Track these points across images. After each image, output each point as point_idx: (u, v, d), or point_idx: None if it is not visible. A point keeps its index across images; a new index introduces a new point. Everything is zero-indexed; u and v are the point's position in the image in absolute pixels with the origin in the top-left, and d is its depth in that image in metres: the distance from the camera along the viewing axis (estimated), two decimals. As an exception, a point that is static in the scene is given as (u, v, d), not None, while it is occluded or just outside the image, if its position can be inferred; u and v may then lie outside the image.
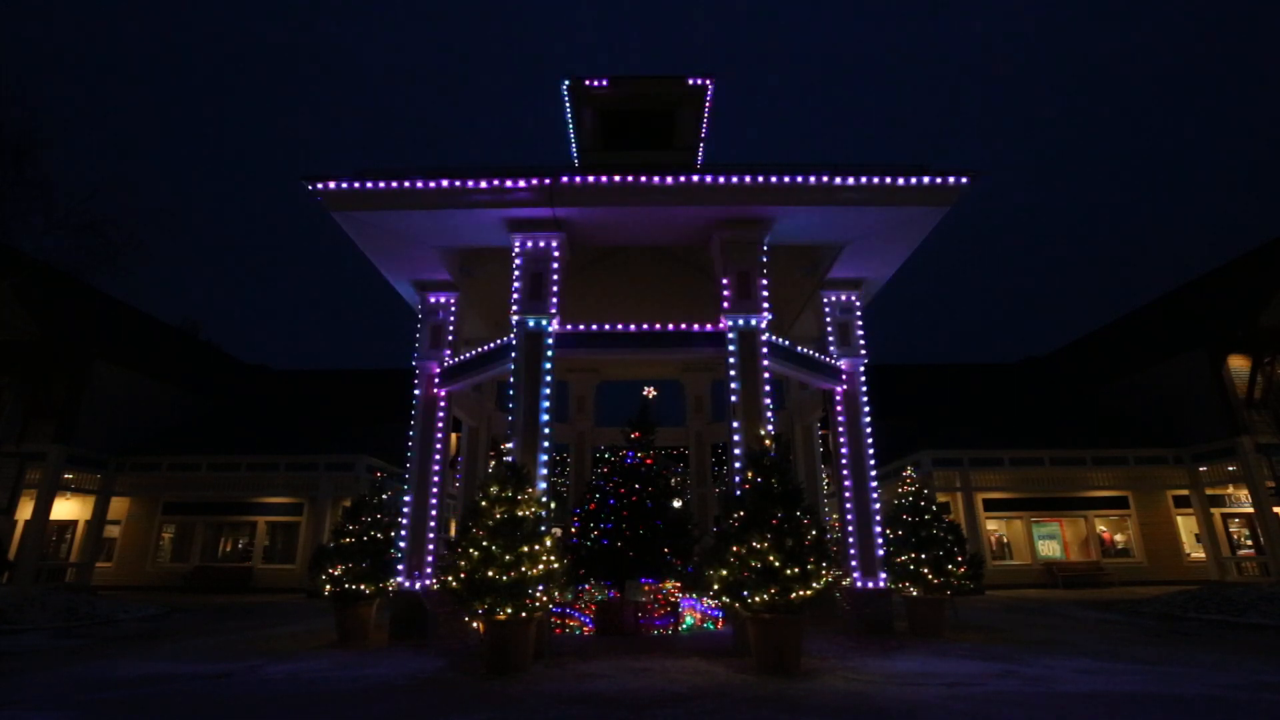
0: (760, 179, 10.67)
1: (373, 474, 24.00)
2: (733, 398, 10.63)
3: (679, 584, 11.67)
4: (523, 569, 7.94)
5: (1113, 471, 23.00)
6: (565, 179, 10.66)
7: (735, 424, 10.48)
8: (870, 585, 11.15)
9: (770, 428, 10.12)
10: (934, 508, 11.34)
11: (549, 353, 10.79)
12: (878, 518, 11.61)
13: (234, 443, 24.99)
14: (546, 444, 10.30)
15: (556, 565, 8.43)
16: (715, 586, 8.27)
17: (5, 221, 15.72)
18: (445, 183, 10.68)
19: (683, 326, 11.31)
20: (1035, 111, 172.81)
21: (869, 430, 12.16)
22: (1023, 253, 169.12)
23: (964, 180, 10.68)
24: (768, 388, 10.69)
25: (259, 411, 29.30)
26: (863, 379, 12.39)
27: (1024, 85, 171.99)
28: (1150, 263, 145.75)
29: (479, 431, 15.18)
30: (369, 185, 10.72)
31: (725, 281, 11.13)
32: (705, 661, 8.44)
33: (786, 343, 11.87)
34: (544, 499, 9.42)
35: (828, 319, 12.82)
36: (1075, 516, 23.29)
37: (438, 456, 12.13)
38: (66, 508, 22.85)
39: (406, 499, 11.92)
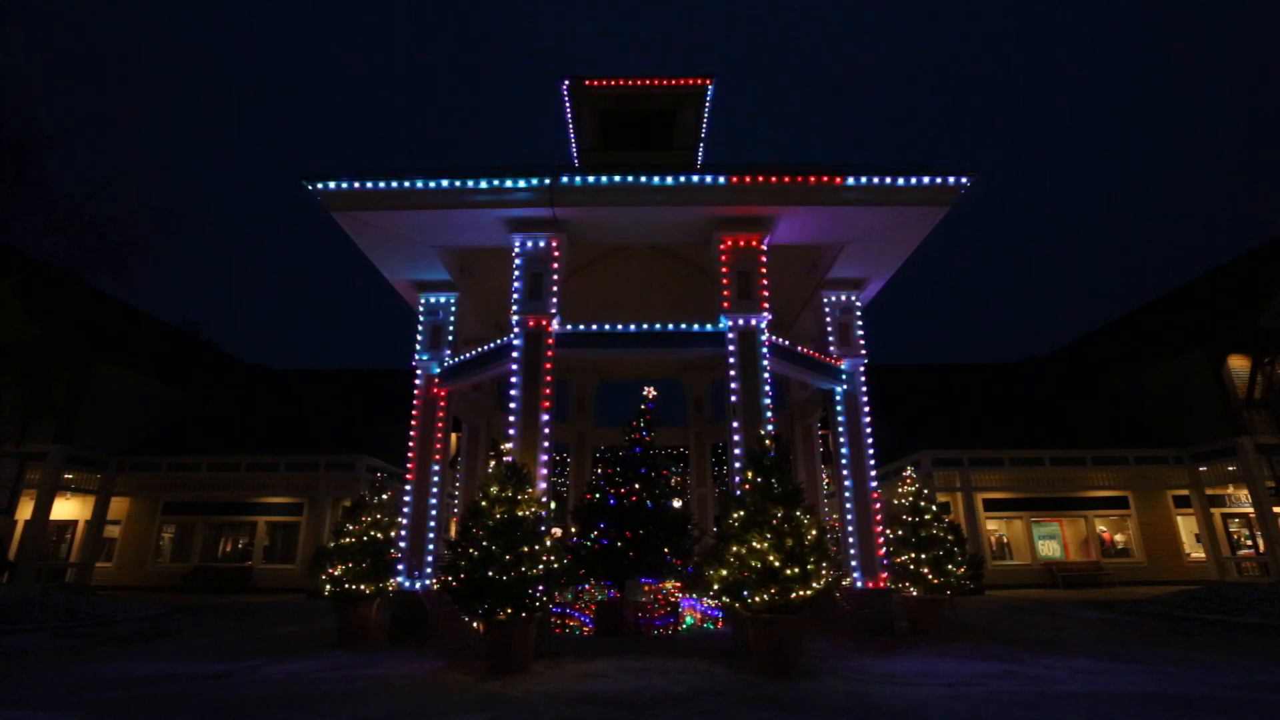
0: (760, 179, 10.67)
1: (373, 474, 24.00)
2: (733, 398, 10.63)
3: (679, 584, 11.67)
4: (523, 569, 7.95)
5: (1113, 471, 22.97)
6: (565, 179, 10.66)
7: (735, 424, 10.48)
8: (870, 585, 11.15)
9: (770, 428, 10.12)
10: (934, 508, 11.34)
11: (549, 352, 10.79)
12: (878, 518, 11.61)
13: (234, 443, 24.95)
14: (546, 444, 10.31)
15: (556, 565, 8.44)
16: (715, 586, 8.27)
17: (5, 221, 15.72)
18: (445, 183, 10.68)
19: (683, 326, 11.32)
20: (1035, 111, 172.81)
21: (869, 430, 12.16)
22: (1023, 253, 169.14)
23: (964, 180, 10.68)
24: (768, 388, 10.70)
25: (259, 411, 29.26)
26: (863, 379, 12.38)
27: (1024, 85, 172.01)
28: (1150, 262, 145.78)
29: (479, 431, 15.18)
30: (369, 185, 10.73)
31: (725, 281, 11.13)
32: (705, 661, 8.44)
33: (786, 343, 11.88)
34: (544, 499, 9.43)
35: (828, 319, 12.81)
36: (1075, 516, 23.27)
37: (438, 456, 12.13)
38: (66, 508, 22.83)
39: (406, 499, 11.92)
